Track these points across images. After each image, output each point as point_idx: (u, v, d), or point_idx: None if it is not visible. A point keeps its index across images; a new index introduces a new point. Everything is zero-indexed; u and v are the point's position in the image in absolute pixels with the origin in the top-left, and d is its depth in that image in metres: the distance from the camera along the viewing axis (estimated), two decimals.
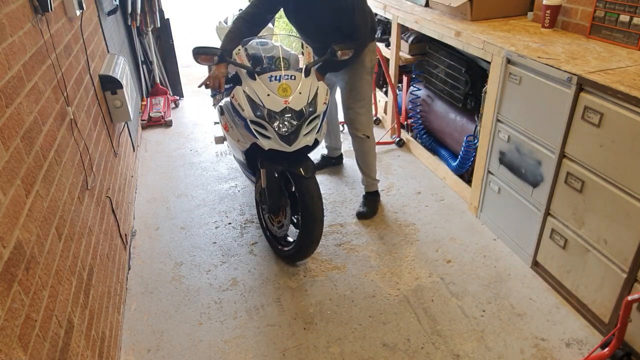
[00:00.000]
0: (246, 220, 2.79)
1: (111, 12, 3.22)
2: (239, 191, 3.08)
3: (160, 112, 4.09)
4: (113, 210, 2.31)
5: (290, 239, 2.44)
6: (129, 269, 2.44)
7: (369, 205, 2.79)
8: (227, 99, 2.28)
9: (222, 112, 2.39)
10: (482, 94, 2.48)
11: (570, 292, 2.09)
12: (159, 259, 2.50)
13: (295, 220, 2.31)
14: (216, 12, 9.16)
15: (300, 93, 2.05)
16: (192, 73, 5.53)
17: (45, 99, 1.60)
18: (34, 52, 1.59)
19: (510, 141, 2.28)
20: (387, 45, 3.50)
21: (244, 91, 2.07)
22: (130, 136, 3.35)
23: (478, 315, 2.09)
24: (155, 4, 4.15)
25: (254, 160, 2.35)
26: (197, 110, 4.42)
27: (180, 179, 3.25)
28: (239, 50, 2.18)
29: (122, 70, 2.80)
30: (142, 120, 4.04)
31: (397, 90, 3.51)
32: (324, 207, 2.27)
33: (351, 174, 3.22)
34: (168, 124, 4.07)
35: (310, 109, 2.06)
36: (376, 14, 3.76)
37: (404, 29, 3.29)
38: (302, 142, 2.05)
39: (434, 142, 3.30)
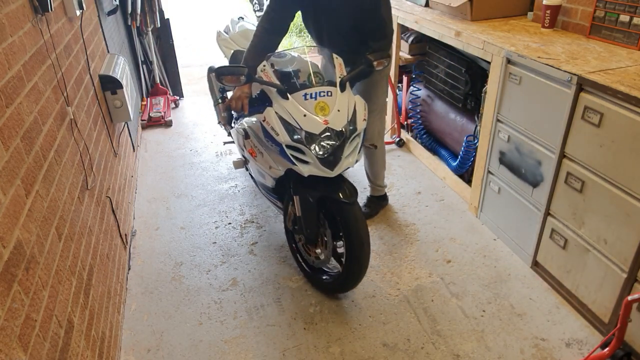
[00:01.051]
0: (246, 220, 2.79)
1: (111, 12, 3.22)
2: (239, 191, 3.08)
3: (160, 112, 4.09)
4: (113, 210, 2.31)
5: (327, 267, 2.23)
6: (129, 269, 2.44)
7: (369, 207, 2.79)
8: (251, 120, 2.09)
9: (246, 135, 2.16)
10: (482, 94, 2.48)
11: (570, 292, 2.09)
12: (159, 259, 2.50)
13: (338, 250, 2.12)
14: (216, 12, 9.17)
15: (339, 111, 1.86)
16: (192, 73, 5.53)
17: (45, 99, 1.60)
18: (34, 52, 1.59)
19: (510, 141, 2.29)
20: None
21: (276, 113, 1.87)
22: (130, 136, 3.36)
23: (478, 315, 2.09)
24: (155, 4, 4.15)
25: (282, 185, 2.15)
26: (197, 110, 4.42)
27: (180, 179, 3.25)
28: (264, 66, 1.97)
29: (122, 70, 2.80)
30: (142, 120, 4.04)
31: (397, 90, 3.51)
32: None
33: (351, 174, 3.22)
34: (168, 124, 4.07)
35: (351, 128, 1.87)
36: None
37: (404, 29, 3.29)
38: (344, 164, 1.86)
39: (434, 142, 3.30)
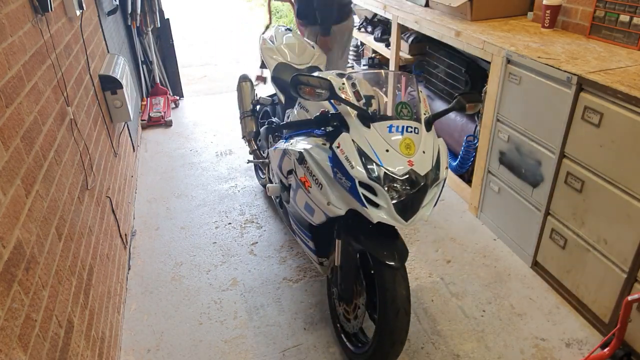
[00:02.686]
0: (246, 220, 2.79)
1: (111, 12, 3.22)
2: (239, 191, 3.08)
3: (160, 112, 4.09)
4: (113, 210, 2.31)
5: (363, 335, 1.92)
6: (129, 269, 2.44)
7: None
8: (311, 142, 1.80)
9: (302, 160, 1.83)
10: (482, 94, 2.48)
11: (570, 292, 2.09)
12: (159, 259, 2.50)
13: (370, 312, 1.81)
14: (215, 12, 9.17)
15: (424, 152, 1.58)
16: (192, 73, 5.54)
17: (45, 99, 1.60)
18: (34, 52, 1.59)
19: (510, 141, 2.29)
20: (387, 45, 3.50)
21: (353, 141, 1.58)
22: (130, 136, 3.36)
23: (478, 315, 2.09)
24: (155, 4, 4.16)
25: (321, 228, 1.85)
26: (197, 110, 4.42)
27: (180, 179, 3.25)
28: (343, 84, 1.70)
29: (122, 70, 2.80)
30: (142, 120, 4.04)
31: (397, 91, 3.50)
32: None
33: None
34: (168, 124, 4.07)
35: (433, 175, 1.59)
36: (376, 14, 3.77)
37: (404, 29, 3.29)
38: (419, 215, 1.58)
39: None
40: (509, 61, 2.20)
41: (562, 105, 1.92)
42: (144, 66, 4.34)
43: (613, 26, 2.14)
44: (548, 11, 2.39)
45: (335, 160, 1.62)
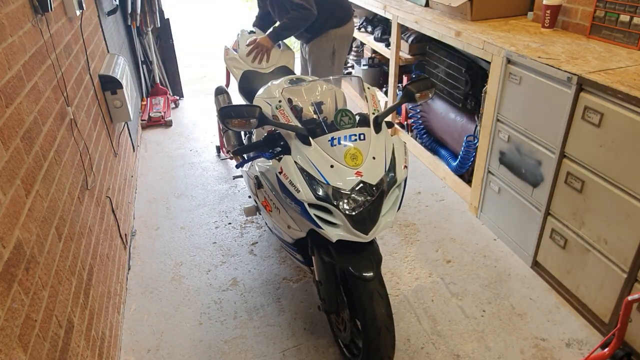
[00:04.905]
0: (246, 220, 2.79)
1: (111, 12, 3.22)
2: (239, 191, 3.08)
3: (160, 112, 4.09)
4: (113, 210, 2.31)
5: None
6: (129, 269, 2.44)
7: None
8: (265, 165, 1.72)
9: (259, 184, 1.78)
10: (482, 94, 2.48)
11: (570, 292, 2.09)
12: (159, 259, 2.50)
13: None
14: (215, 12, 9.17)
15: (374, 158, 1.50)
16: (192, 73, 5.53)
17: (45, 99, 1.60)
18: (34, 52, 1.59)
19: (510, 141, 2.29)
20: (387, 45, 3.50)
21: (295, 163, 1.50)
22: (130, 136, 3.36)
23: (478, 315, 2.09)
24: (155, 4, 4.15)
25: (303, 240, 1.78)
26: (197, 110, 4.42)
27: (180, 179, 3.25)
28: (280, 103, 1.60)
29: (122, 70, 2.80)
30: (142, 120, 4.04)
31: (397, 90, 3.51)
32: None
33: None
34: (168, 124, 4.07)
35: (389, 179, 1.51)
36: (376, 14, 3.77)
37: (404, 29, 3.29)
38: (381, 225, 1.50)
39: (434, 142, 3.30)
40: (509, 61, 2.20)
41: (562, 105, 1.92)
42: (144, 66, 4.34)
43: (613, 26, 2.14)
44: (548, 11, 2.39)
45: (282, 186, 1.54)
